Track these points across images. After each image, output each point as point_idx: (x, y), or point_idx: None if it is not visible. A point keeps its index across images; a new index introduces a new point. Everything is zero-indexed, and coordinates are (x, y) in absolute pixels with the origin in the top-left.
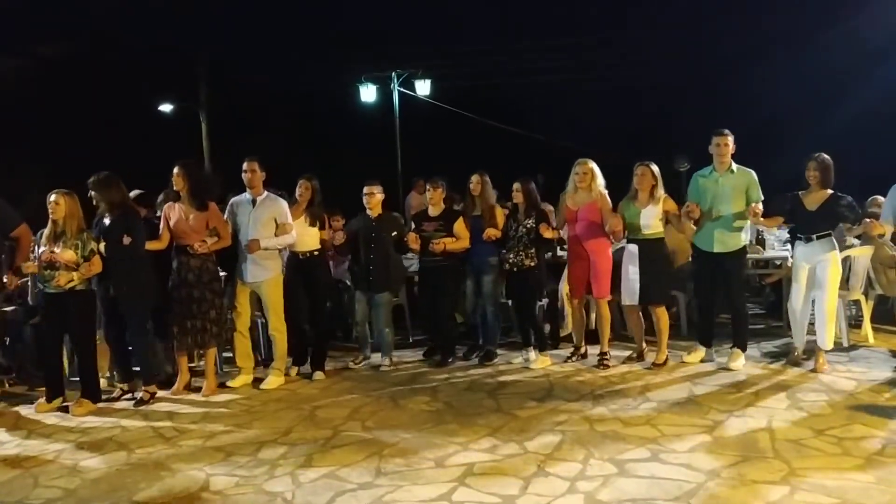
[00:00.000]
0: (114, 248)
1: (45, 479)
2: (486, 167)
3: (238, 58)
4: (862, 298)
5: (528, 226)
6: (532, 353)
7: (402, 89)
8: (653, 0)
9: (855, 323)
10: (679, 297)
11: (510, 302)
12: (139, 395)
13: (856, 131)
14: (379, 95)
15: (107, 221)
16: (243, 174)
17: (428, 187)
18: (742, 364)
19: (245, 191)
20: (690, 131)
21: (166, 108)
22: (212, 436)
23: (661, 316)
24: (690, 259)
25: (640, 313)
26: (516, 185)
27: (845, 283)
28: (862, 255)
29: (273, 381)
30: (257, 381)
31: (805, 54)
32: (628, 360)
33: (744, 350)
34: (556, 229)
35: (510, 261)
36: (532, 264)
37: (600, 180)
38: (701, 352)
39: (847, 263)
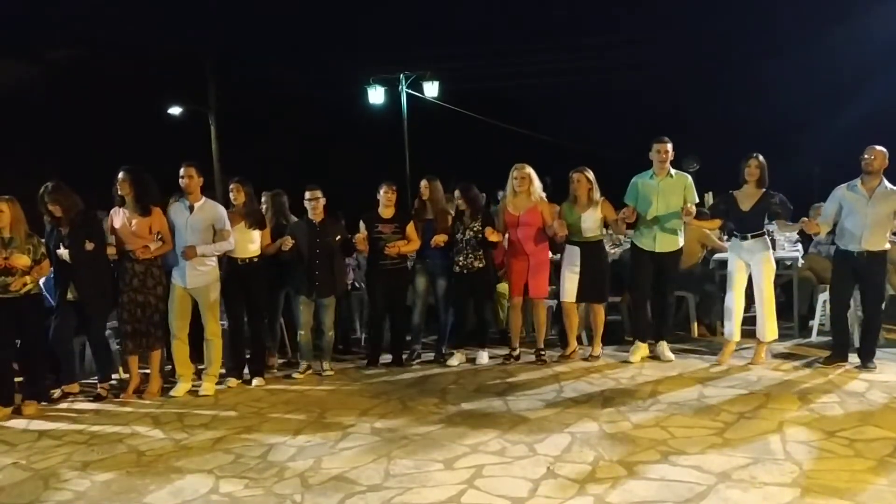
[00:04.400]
0: (78, 253)
1: (54, 481)
2: (492, 168)
3: (246, 60)
4: None
5: (476, 229)
6: (485, 354)
7: (410, 91)
8: (662, 1)
9: None
10: (689, 298)
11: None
12: (99, 392)
13: (864, 131)
14: (387, 97)
15: (64, 229)
16: (180, 180)
17: (385, 189)
18: (671, 356)
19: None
20: (699, 132)
21: (175, 110)
22: (221, 438)
23: (599, 313)
24: (700, 261)
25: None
26: (457, 193)
27: None
28: None
29: (208, 387)
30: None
31: (816, 54)
32: (561, 357)
33: (665, 339)
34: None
35: (460, 264)
36: (481, 266)
37: (538, 184)
38: (643, 349)
39: None
